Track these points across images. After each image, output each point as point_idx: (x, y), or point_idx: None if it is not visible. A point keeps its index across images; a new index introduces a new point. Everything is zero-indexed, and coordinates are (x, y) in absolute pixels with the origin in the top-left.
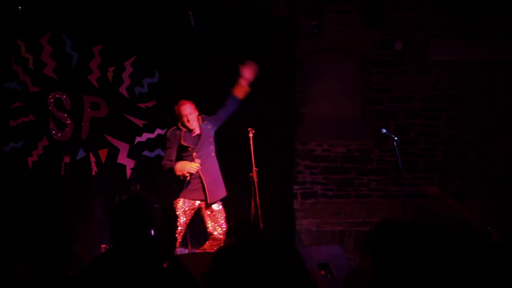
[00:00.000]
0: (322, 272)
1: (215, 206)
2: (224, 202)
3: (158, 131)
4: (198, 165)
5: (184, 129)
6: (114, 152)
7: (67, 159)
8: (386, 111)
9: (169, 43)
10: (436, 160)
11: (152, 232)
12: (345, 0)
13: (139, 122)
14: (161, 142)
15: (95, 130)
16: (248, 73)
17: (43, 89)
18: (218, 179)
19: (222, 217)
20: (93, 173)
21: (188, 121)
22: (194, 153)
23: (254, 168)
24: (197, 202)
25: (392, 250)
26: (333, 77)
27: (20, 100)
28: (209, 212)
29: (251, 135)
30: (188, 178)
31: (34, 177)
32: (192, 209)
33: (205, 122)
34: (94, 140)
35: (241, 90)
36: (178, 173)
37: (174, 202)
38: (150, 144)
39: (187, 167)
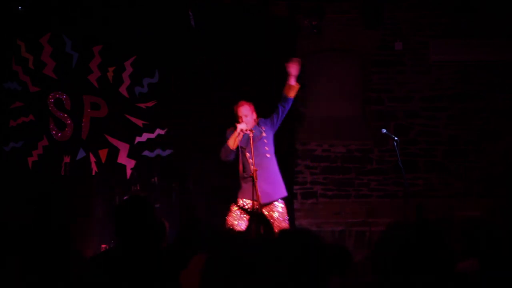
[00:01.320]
0: None
1: (273, 207)
2: (225, 202)
3: (158, 131)
4: (245, 124)
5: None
6: (114, 152)
7: (67, 159)
8: (386, 111)
9: (169, 43)
10: (436, 160)
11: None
12: (345, 0)
13: (139, 122)
14: (161, 142)
15: (95, 130)
16: (294, 69)
17: (43, 89)
18: (274, 179)
19: (282, 218)
20: (93, 173)
21: (242, 121)
22: (247, 153)
23: (254, 168)
24: (251, 202)
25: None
26: (333, 77)
27: (20, 100)
28: (266, 213)
29: (251, 135)
30: (241, 133)
31: (34, 177)
32: (243, 210)
33: (260, 125)
34: (94, 140)
35: (292, 89)
36: (229, 142)
37: (232, 204)
38: (150, 144)
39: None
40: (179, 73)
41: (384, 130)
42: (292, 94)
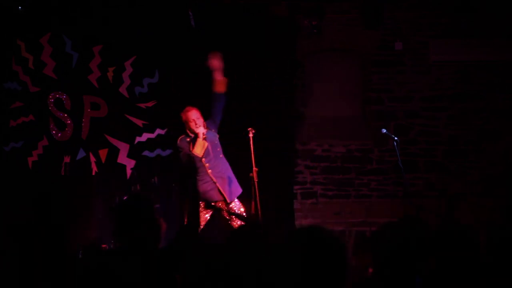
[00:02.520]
0: None
1: (232, 204)
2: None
3: (158, 131)
4: (203, 128)
5: (191, 136)
6: (114, 152)
7: (67, 159)
8: (386, 111)
9: (169, 43)
10: (436, 160)
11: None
12: (345, 0)
13: (139, 122)
14: (161, 142)
15: (95, 130)
16: (215, 64)
17: (43, 89)
18: (231, 178)
19: (242, 208)
20: (93, 173)
21: (196, 125)
22: (203, 159)
23: (254, 168)
24: (217, 203)
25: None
26: (333, 77)
27: (20, 100)
28: (224, 212)
29: (251, 135)
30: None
31: (34, 177)
32: (209, 210)
33: (209, 128)
34: (94, 140)
35: (219, 84)
36: (195, 151)
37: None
38: (150, 144)
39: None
40: (179, 73)
41: (384, 130)
42: (221, 88)
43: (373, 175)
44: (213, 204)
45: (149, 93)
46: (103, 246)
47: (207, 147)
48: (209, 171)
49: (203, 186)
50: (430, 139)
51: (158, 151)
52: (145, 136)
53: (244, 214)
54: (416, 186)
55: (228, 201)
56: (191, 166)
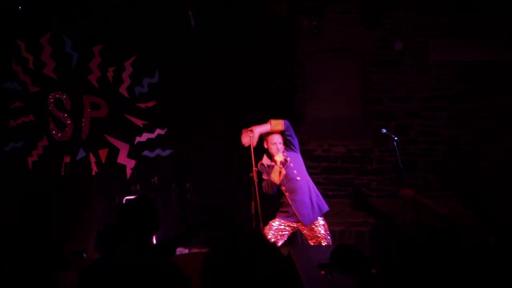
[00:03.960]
0: (322, 272)
1: (316, 224)
2: (224, 202)
3: (158, 131)
4: (281, 155)
5: (267, 163)
6: (114, 152)
7: (67, 159)
8: (386, 111)
9: (169, 43)
10: (436, 160)
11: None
12: (345, 0)
13: (139, 122)
14: (161, 142)
15: (95, 130)
16: (245, 141)
17: (43, 89)
18: (311, 200)
19: (323, 230)
20: (93, 173)
21: (278, 150)
22: (283, 187)
23: (254, 168)
24: (295, 223)
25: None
26: (333, 77)
27: (20, 100)
28: (306, 232)
29: (251, 135)
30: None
31: (34, 177)
32: (290, 227)
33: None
34: (94, 140)
35: (274, 127)
36: (273, 178)
37: (269, 222)
38: (150, 144)
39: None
40: (179, 73)
41: (384, 130)
42: (278, 127)
43: (373, 175)
44: (292, 225)
45: (149, 93)
46: None
47: (285, 174)
48: (287, 194)
49: (285, 207)
50: (430, 139)
51: (158, 151)
52: (145, 136)
53: (326, 236)
54: (416, 186)
55: (305, 225)
56: (273, 189)
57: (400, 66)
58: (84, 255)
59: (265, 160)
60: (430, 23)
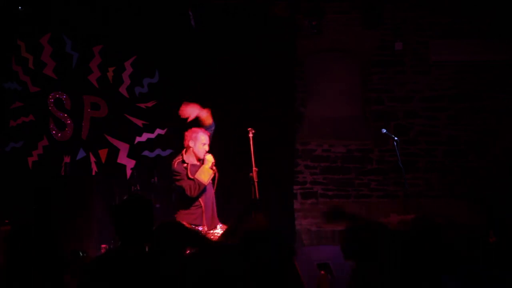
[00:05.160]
0: (322, 272)
1: (213, 232)
2: (225, 202)
3: (158, 131)
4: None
5: (190, 162)
6: (114, 152)
7: (67, 159)
8: (386, 111)
9: (169, 43)
10: (436, 160)
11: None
12: (345, 0)
13: (139, 122)
14: (161, 142)
15: (95, 130)
16: (184, 114)
17: (43, 89)
18: (213, 205)
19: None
20: (93, 173)
21: (207, 150)
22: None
23: (254, 168)
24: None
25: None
26: (333, 77)
27: (20, 100)
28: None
29: (251, 135)
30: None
31: (34, 177)
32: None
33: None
34: (94, 140)
35: (205, 120)
36: (202, 178)
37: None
38: (150, 144)
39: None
40: (179, 73)
41: (384, 130)
42: (207, 122)
43: (373, 175)
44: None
45: (149, 93)
46: (103, 246)
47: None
48: (201, 196)
49: (191, 209)
50: (430, 139)
51: (158, 151)
52: (145, 136)
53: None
54: (416, 186)
55: (207, 230)
56: (200, 190)
57: (400, 66)
58: (83, 255)
59: (190, 159)
60: (430, 23)
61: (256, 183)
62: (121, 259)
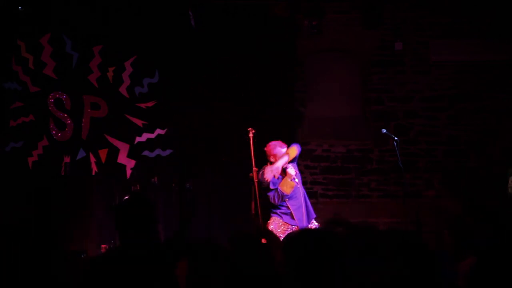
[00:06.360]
0: None
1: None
2: (225, 202)
3: (158, 131)
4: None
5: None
6: (114, 152)
7: (67, 159)
8: (386, 111)
9: (169, 43)
10: (436, 160)
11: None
12: (345, 0)
13: (139, 122)
14: (161, 142)
15: (95, 130)
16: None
17: (43, 89)
18: (305, 205)
19: None
20: (93, 173)
21: (289, 164)
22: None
23: (254, 168)
24: (294, 226)
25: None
26: (333, 77)
27: (20, 100)
28: None
29: (251, 135)
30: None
31: (34, 178)
32: (288, 228)
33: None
34: (94, 140)
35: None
36: (284, 190)
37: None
38: (150, 144)
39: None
40: (179, 73)
41: (384, 130)
42: (295, 155)
43: (373, 175)
44: (291, 226)
45: (149, 93)
46: (103, 246)
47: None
48: (286, 199)
49: (283, 209)
50: (430, 139)
51: (158, 151)
52: (145, 136)
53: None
54: (416, 186)
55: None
56: (281, 200)
57: (400, 66)
58: (83, 255)
59: (271, 173)
60: (430, 23)
61: (256, 183)
62: (121, 259)
